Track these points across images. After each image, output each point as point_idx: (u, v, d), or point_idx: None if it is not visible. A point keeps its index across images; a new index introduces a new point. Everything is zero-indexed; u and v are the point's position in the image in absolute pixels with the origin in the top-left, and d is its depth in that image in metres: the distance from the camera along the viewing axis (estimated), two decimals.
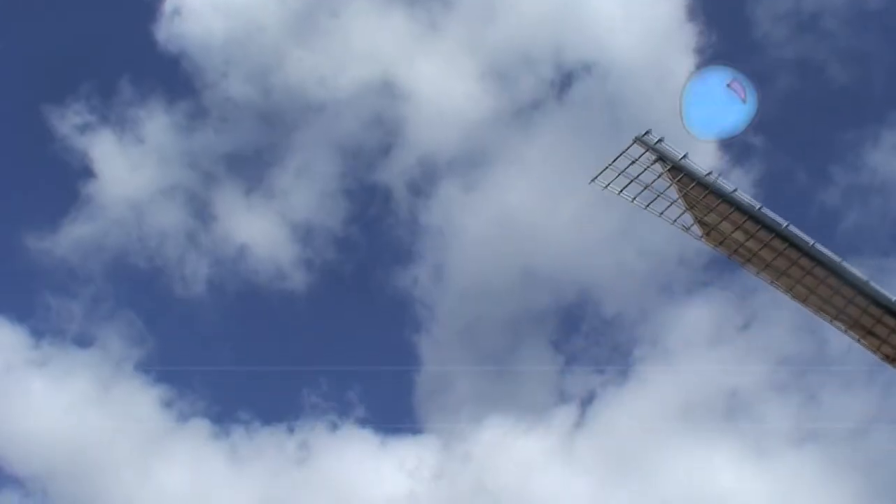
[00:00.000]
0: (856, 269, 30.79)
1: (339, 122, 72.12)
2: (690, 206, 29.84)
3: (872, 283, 30.74)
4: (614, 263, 69.69)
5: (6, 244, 70.85)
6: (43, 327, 67.92)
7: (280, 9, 71.90)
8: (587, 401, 66.83)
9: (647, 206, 30.51)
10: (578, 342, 70.55)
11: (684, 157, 30.03)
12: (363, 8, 72.47)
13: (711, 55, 68.87)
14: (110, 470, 64.12)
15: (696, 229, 30.66)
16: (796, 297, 31.17)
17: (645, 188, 30.22)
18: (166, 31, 70.39)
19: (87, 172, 69.74)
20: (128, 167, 70.48)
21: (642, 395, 66.45)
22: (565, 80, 70.29)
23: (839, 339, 62.56)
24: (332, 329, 74.21)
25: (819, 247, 30.49)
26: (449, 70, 71.90)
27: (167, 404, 66.70)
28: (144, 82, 71.92)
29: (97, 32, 75.24)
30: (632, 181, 30.14)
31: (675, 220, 30.72)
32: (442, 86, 71.87)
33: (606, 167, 29.83)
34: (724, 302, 68.78)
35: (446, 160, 71.51)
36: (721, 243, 30.73)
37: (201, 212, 70.40)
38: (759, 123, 68.16)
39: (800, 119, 72.59)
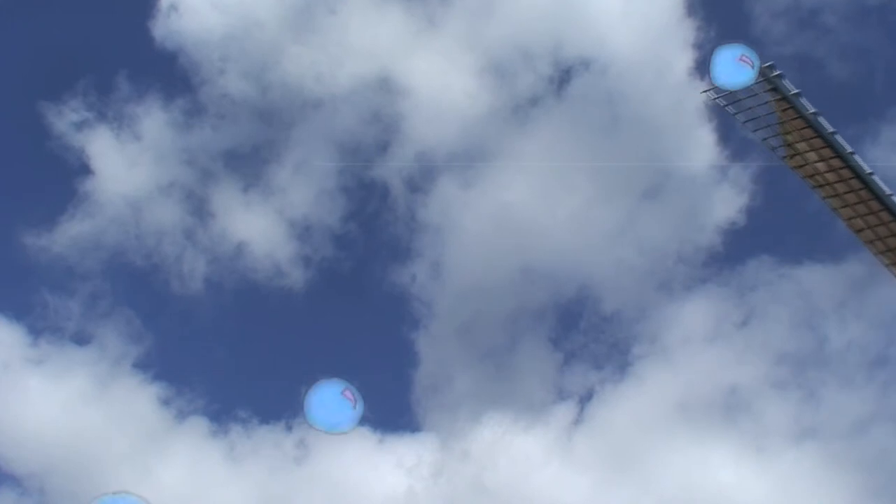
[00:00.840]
0: None
1: (337, 119, 72.29)
2: (785, 133, 30.32)
3: None
4: (613, 260, 70.32)
5: (3, 242, 70.55)
6: (40, 325, 67.38)
7: (277, 5, 72.62)
8: (586, 398, 66.95)
9: (745, 122, 31.81)
10: (577, 339, 70.68)
11: (798, 93, 30.99)
12: (361, 4, 73.51)
13: (710, 51, 69.54)
14: (108, 468, 63.27)
15: (782, 151, 31.79)
16: (852, 226, 32.53)
17: (749, 108, 31.41)
18: (163, 28, 70.76)
19: (85, 170, 69.54)
20: (125, 164, 70.44)
21: (641, 392, 66.90)
22: (564, 77, 70.99)
23: (838, 337, 64.14)
24: (331, 327, 74.00)
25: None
26: (447, 66, 72.53)
27: (165, 402, 66.12)
28: (141, 79, 72.06)
29: (93, 29, 75.67)
30: (739, 101, 31.38)
31: (765, 139, 31.96)
32: (440, 82, 72.66)
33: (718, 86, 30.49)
34: (722, 299, 69.79)
35: (444, 157, 71.71)
36: (801, 167, 31.92)
37: (199, 209, 70.17)
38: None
39: None
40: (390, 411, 69.76)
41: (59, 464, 62.47)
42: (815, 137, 30.95)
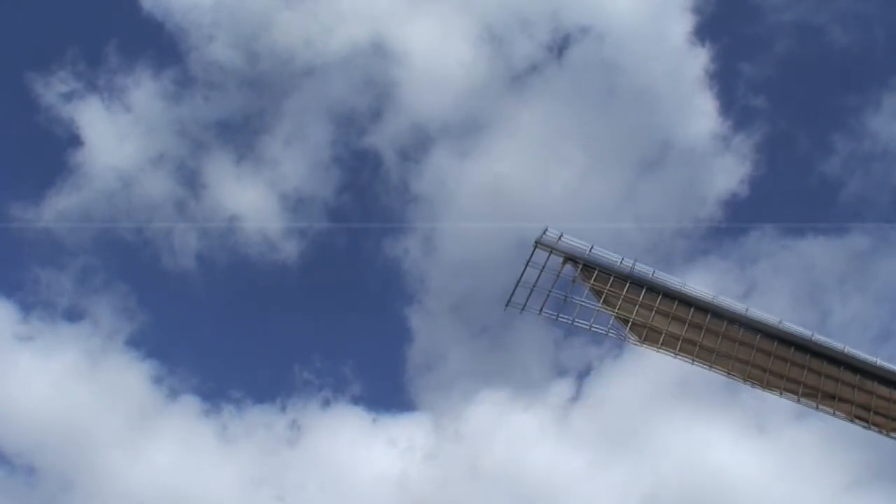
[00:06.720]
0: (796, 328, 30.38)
1: (329, 87, 70.84)
2: (612, 306, 28.88)
3: (815, 337, 30.37)
4: (612, 233, 68.18)
5: None
6: (32, 300, 67.81)
7: None
8: (584, 374, 65.91)
9: (573, 320, 29.54)
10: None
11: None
12: None
13: (709, 18, 67.15)
14: (99, 446, 64.50)
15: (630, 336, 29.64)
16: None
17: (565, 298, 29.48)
18: None
19: (75, 141, 69.23)
20: (115, 136, 69.89)
21: (639, 367, 65.34)
22: (562, 44, 68.58)
23: (841, 311, 62.00)
24: (324, 302, 73.41)
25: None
26: (443, 32, 70.23)
27: (157, 380, 66.50)
28: (131, 49, 71.30)
29: None
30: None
31: (608, 331, 29.79)
32: (435, 48, 70.37)
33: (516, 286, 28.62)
34: (723, 271, 68.11)
35: (439, 126, 69.97)
36: (661, 343, 29.72)
37: (191, 181, 69.59)
38: (760, 86, 67.14)
39: (801, 83, 70.97)
40: (384, 390, 69.89)
41: (50, 441, 63.81)
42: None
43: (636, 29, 68.13)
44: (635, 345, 29.29)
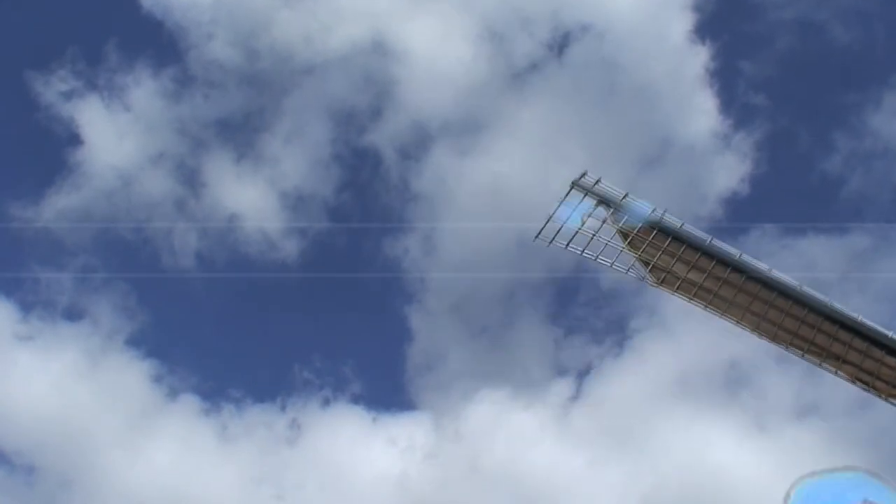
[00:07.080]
0: (814, 293, 31.30)
1: (329, 85, 71.09)
2: (636, 249, 30.13)
3: (832, 304, 31.27)
4: None
5: None
6: (32, 300, 67.44)
7: None
8: (584, 373, 65.92)
9: (597, 257, 30.78)
10: (575, 313, 69.36)
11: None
12: None
13: (710, 15, 67.51)
14: (98, 446, 64.13)
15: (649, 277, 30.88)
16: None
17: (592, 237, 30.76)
18: None
19: (74, 140, 69.17)
20: (115, 135, 69.85)
21: (640, 366, 65.51)
22: (563, 42, 69.02)
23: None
24: (324, 302, 73.27)
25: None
26: (443, 30, 70.70)
27: (156, 380, 66.23)
28: (130, 47, 71.40)
29: None
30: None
31: (627, 270, 31.05)
32: (436, 47, 70.80)
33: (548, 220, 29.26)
34: None
35: (439, 124, 70.27)
36: (677, 287, 30.95)
37: (191, 180, 69.61)
38: (761, 84, 67.69)
39: (801, 81, 71.47)
40: (384, 390, 69.74)
41: (50, 441, 63.44)
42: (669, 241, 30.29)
43: (636, 27, 68.81)
44: (652, 286, 30.66)
